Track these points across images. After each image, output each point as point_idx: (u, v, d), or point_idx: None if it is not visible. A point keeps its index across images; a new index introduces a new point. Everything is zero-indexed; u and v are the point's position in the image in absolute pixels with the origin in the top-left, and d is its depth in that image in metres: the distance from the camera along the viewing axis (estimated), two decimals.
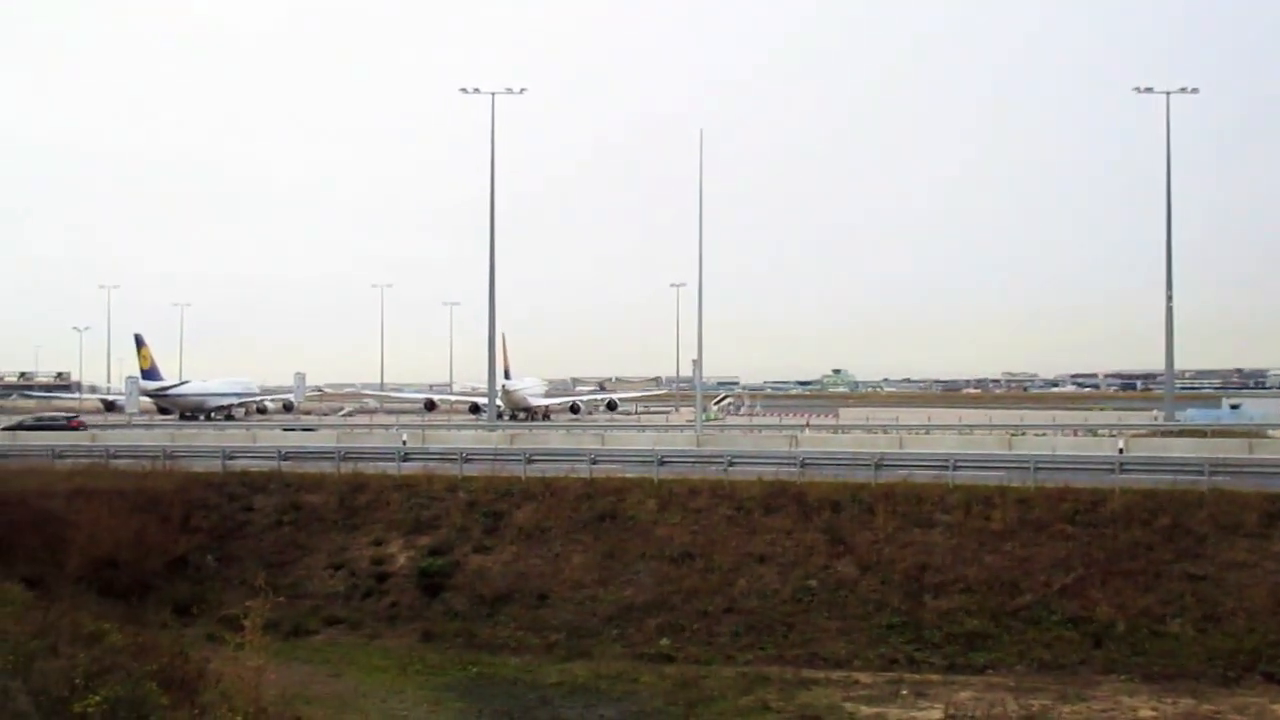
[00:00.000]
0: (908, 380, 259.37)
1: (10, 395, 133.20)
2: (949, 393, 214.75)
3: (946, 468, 34.26)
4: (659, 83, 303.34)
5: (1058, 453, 37.27)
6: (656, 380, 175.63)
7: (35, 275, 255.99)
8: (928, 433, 58.27)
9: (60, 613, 18.71)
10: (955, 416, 78.54)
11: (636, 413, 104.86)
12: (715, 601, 29.84)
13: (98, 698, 11.59)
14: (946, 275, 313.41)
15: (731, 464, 36.58)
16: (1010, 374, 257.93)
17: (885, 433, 56.30)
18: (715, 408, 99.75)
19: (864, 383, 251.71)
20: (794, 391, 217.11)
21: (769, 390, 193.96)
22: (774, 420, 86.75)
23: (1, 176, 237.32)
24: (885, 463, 35.44)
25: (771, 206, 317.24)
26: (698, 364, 62.67)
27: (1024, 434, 53.69)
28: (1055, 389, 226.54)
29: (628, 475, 36.73)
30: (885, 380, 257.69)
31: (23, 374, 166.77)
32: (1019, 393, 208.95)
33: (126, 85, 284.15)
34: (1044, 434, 56.16)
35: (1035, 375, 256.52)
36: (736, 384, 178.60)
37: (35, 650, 13.46)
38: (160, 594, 32.11)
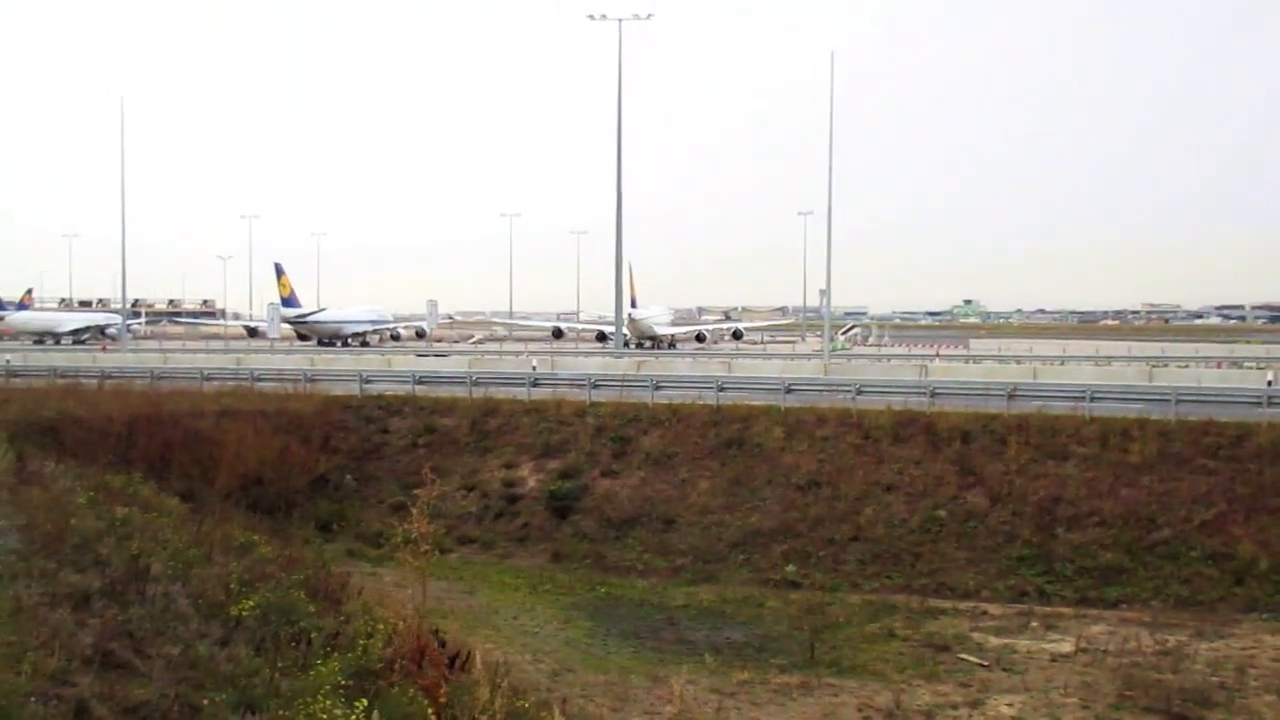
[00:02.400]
0: (1041, 311, 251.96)
1: (160, 321, 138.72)
2: (1085, 324, 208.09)
3: (1083, 399, 33.38)
4: (788, 7, 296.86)
5: (1201, 385, 35.86)
6: (782, 310, 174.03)
7: (180, 205, 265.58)
8: (1063, 364, 56.77)
9: (213, 525, 19.61)
10: (1092, 348, 76.19)
11: (762, 342, 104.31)
12: (842, 529, 29.83)
13: (251, 603, 12.14)
14: (1085, 204, 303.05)
15: (859, 393, 36.25)
16: (1151, 305, 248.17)
17: (1018, 363, 54.97)
18: (842, 337, 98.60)
19: (996, 313, 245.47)
20: (923, 322, 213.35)
21: (897, 320, 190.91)
22: (902, 350, 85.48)
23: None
24: (1018, 393, 34.67)
25: (904, 134, 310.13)
26: (826, 293, 62.03)
27: (1165, 366, 51.86)
28: (1199, 321, 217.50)
29: (754, 403, 36.66)
30: (1018, 311, 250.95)
31: (171, 301, 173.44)
32: (1160, 324, 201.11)
33: (272, 24, 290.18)
34: (1186, 366, 54.21)
35: (1178, 306, 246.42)
36: (864, 314, 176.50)
37: (193, 558, 14.13)
38: (303, 511, 33.40)
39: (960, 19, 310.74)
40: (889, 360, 65.78)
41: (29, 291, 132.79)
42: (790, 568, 28.68)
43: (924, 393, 35.54)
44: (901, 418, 33.67)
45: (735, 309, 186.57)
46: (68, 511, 14.92)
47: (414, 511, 17.77)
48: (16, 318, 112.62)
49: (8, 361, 53.58)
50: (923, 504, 30.20)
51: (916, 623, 24.82)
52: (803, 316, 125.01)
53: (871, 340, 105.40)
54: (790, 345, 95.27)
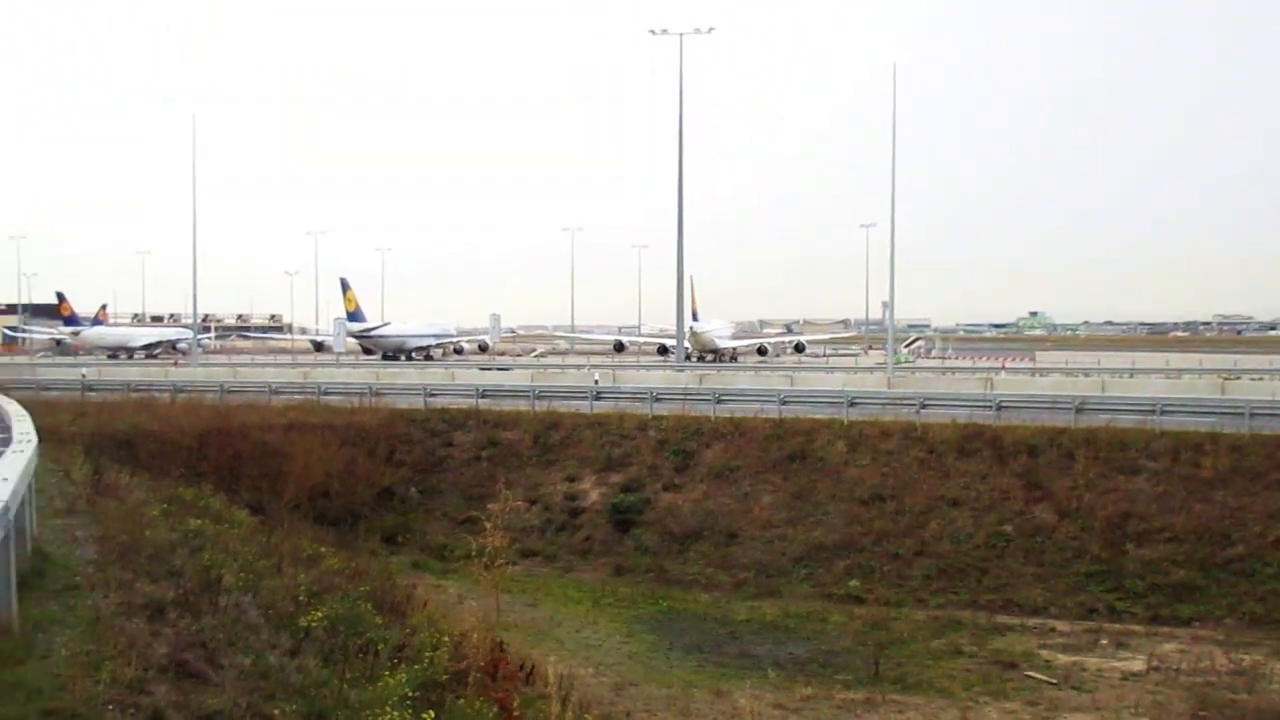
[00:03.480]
0: (1109, 323, 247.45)
1: (229, 336, 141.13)
2: (1154, 336, 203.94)
3: (1153, 412, 32.79)
4: (849, 17, 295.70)
5: (1276, 398, 35.05)
6: (844, 323, 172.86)
7: (249, 222, 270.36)
8: (1131, 376, 55.72)
9: (282, 537, 19.90)
10: (1162, 360, 74.79)
11: (825, 355, 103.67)
12: (906, 544, 29.58)
13: (319, 614, 12.29)
14: (1153, 214, 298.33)
15: (923, 406, 35.93)
16: (1222, 316, 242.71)
17: (1086, 376, 54.16)
18: (906, 350, 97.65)
19: (1062, 325, 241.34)
20: (988, 334, 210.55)
21: (961, 333, 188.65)
22: (967, 363, 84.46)
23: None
24: (1086, 407, 34.15)
25: (967, 145, 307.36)
26: (889, 305, 61.56)
27: (1238, 378, 50.71)
28: (1272, 332, 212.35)
29: (817, 416, 36.49)
30: (1085, 323, 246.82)
31: (240, 316, 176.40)
32: (1232, 336, 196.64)
33: (338, 42, 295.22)
34: (1260, 379, 52.98)
35: (1250, 318, 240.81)
36: (928, 326, 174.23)
37: (263, 570, 14.36)
38: (368, 523, 33.76)
39: (1030, 24, 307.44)
40: (953, 373, 65.03)
41: (104, 307, 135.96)
42: (854, 582, 28.48)
43: (989, 406, 35.15)
44: (966, 431, 33.32)
45: (797, 322, 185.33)
46: (142, 523, 15.25)
47: (487, 526, 18.04)
48: (91, 333, 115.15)
49: (84, 376, 54.84)
50: (988, 519, 29.86)
51: (983, 639, 24.53)
52: (865, 329, 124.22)
53: (935, 353, 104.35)
54: (853, 358, 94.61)
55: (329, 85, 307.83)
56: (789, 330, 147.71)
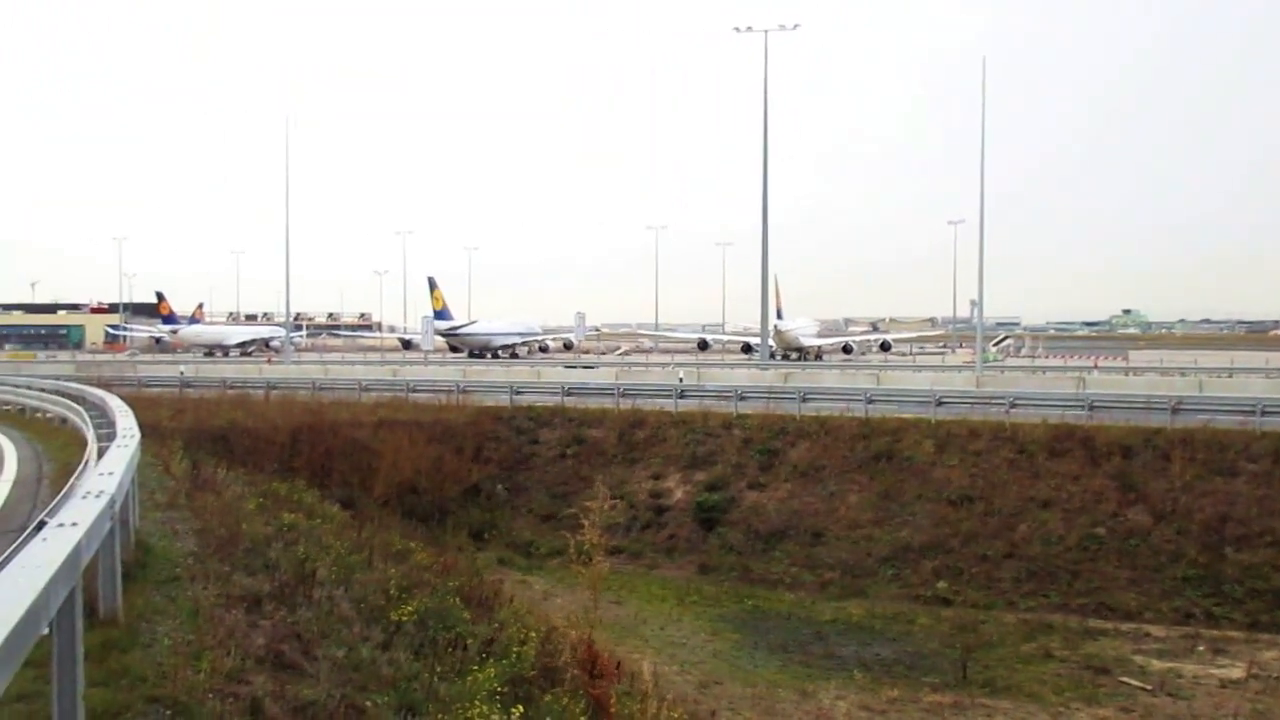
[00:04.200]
0: (1206, 321, 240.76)
1: (320, 334, 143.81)
2: (1254, 334, 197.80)
3: (1253, 413, 31.87)
4: (939, 14, 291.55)
5: None
6: (931, 321, 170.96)
7: (339, 222, 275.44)
8: (1230, 376, 54.29)
9: (372, 531, 20.26)
10: (1262, 359, 72.61)
11: (911, 353, 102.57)
12: (995, 546, 29.14)
13: (409, 608, 12.50)
14: (1249, 209, 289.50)
15: (1013, 405, 35.33)
16: None
17: (1182, 376, 52.79)
18: (994, 349, 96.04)
19: (1157, 323, 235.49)
20: (1079, 332, 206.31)
21: (1052, 331, 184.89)
22: (1058, 362, 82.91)
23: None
24: (1182, 407, 33.30)
25: (1057, 138, 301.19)
26: (977, 303, 60.68)
27: None
28: None
29: (904, 415, 36.13)
30: (1181, 321, 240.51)
31: (330, 315, 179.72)
32: None
33: (426, 43, 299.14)
34: None
35: None
36: (1017, 324, 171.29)
37: (354, 564, 14.63)
38: (456, 519, 34.18)
39: (1117, 18, 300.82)
40: (1044, 372, 63.86)
41: (200, 306, 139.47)
42: (941, 584, 28.16)
43: (1081, 406, 34.48)
44: (1058, 432, 32.71)
45: (883, 320, 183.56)
46: (239, 517, 15.62)
47: (585, 524, 18.21)
48: (189, 331, 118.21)
49: (182, 373, 56.36)
50: (1081, 521, 29.28)
51: (1075, 643, 24.09)
52: (953, 327, 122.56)
53: (1025, 352, 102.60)
54: (940, 357, 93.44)
55: (419, 89, 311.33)
56: (874, 328, 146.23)
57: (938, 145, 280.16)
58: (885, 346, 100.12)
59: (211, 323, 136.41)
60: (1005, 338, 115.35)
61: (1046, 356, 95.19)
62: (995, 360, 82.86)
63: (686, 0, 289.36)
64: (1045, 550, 28.64)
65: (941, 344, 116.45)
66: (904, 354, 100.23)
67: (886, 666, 22.97)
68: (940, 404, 36.21)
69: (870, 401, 37.15)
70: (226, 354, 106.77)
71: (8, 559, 6.97)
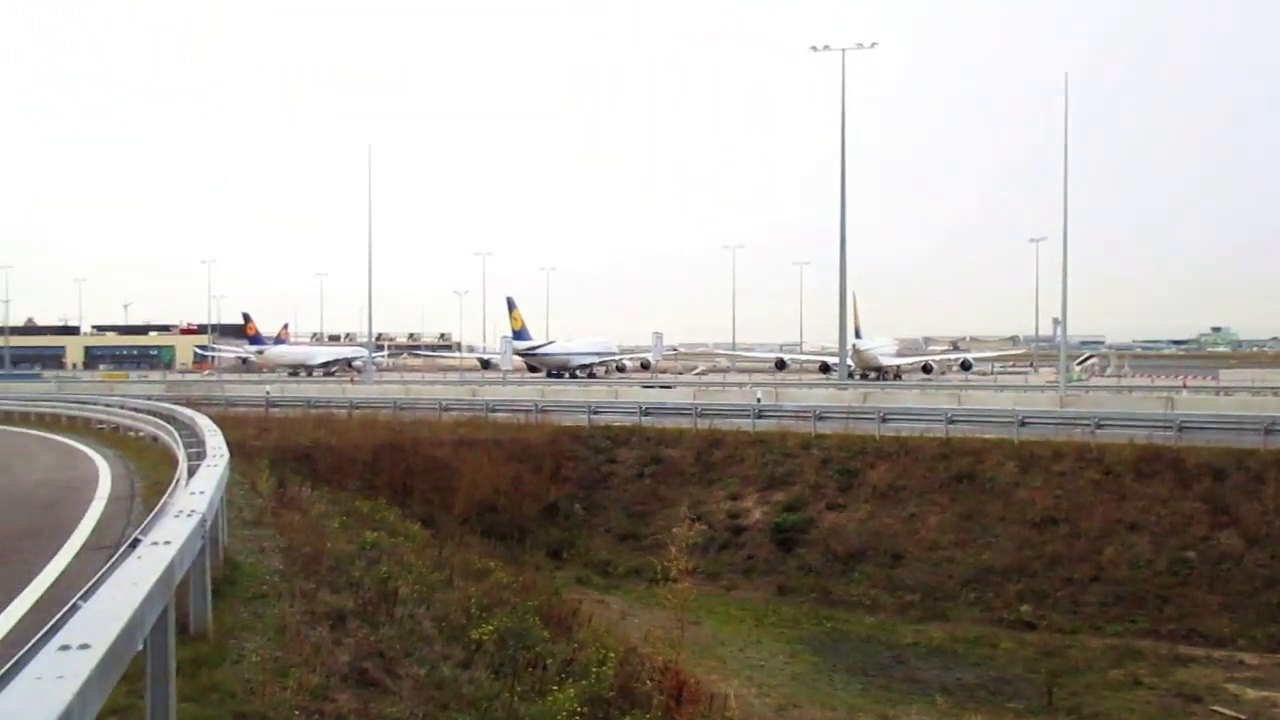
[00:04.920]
0: None
1: (401, 354, 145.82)
2: None
3: None
4: (1017, 30, 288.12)
5: None
6: (1013, 339, 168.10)
7: (419, 243, 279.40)
8: None
9: (452, 550, 20.48)
10: None
11: (993, 372, 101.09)
12: (1081, 569, 28.55)
13: (489, 627, 12.60)
14: None
15: (1099, 426, 34.63)
16: None
17: (1275, 395, 51.40)
18: (1078, 368, 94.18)
19: (1248, 341, 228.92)
20: (1166, 351, 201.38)
21: (1138, 349, 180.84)
22: (1144, 381, 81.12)
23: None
24: (1276, 428, 32.33)
25: (1144, 154, 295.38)
26: (1061, 322, 59.64)
27: None
28: None
29: (986, 436, 35.59)
30: (1273, 339, 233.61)
31: (411, 335, 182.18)
32: None
33: (503, 67, 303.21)
34: None
35: None
36: (1101, 343, 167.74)
37: (435, 582, 14.79)
38: (534, 538, 34.35)
39: (1207, 30, 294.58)
40: (1130, 392, 62.59)
41: (285, 326, 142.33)
42: (1025, 607, 27.65)
43: (1170, 427, 33.62)
44: (1145, 453, 31.99)
45: (963, 338, 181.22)
46: (324, 535, 15.88)
47: (672, 549, 18.31)
48: (274, 351, 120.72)
49: (268, 393, 57.50)
50: (1170, 544, 28.58)
51: (1164, 670, 23.50)
52: (1035, 346, 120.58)
53: (1110, 371, 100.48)
54: (1022, 376, 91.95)
55: (501, 111, 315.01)
56: (955, 347, 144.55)
57: (1021, 158, 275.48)
58: (966, 365, 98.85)
59: (296, 343, 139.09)
60: (1089, 356, 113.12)
61: (1133, 376, 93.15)
62: (1079, 380, 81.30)
63: (774, 20, 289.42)
64: (1133, 574, 28.00)
65: (1023, 363, 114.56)
66: (985, 373, 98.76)
67: (969, 691, 22.60)
68: (1023, 424, 35.59)
69: (951, 422, 36.68)
70: (310, 374, 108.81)
71: (105, 575, 7.19)
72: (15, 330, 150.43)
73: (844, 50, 62.90)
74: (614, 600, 29.56)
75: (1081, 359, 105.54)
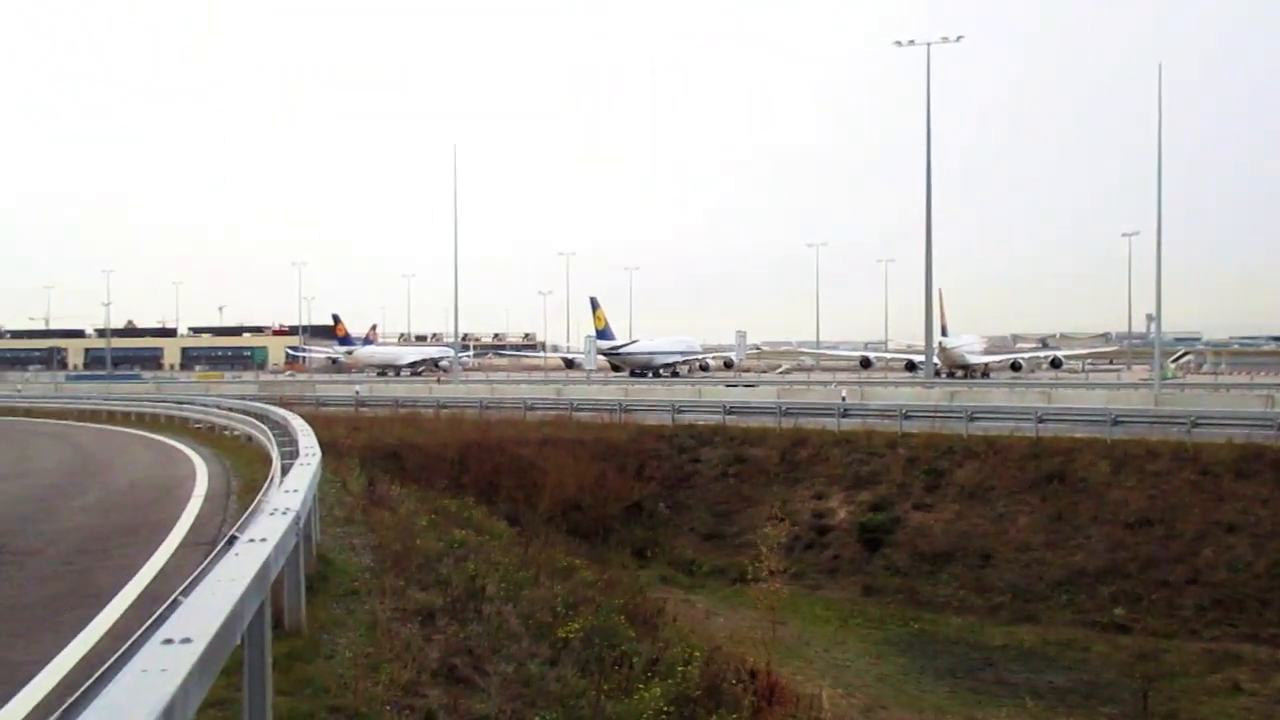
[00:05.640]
0: None
1: (486, 354, 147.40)
2: None
3: None
4: (1105, 20, 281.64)
5: None
6: (1105, 336, 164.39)
7: (504, 243, 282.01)
8: None
9: (538, 548, 20.60)
10: None
11: (1083, 370, 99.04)
12: (1177, 571, 27.85)
13: (575, 625, 12.65)
14: None
15: (1195, 425, 33.76)
16: None
17: None
18: (1173, 365, 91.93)
19: None
20: (1267, 347, 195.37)
21: (1235, 346, 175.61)
22: (1243, 378, 78.86)
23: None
24: None
25: (1239, 145, 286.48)
26: (1154, 318, 58.34)
27: None
28: None
29: (1077, 435, 34.92)
30: None
31: (496, 335, 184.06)
32: None
33: (589, 68, 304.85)
34: None
35: None
36: (1198, 339, 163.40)
37: (522, 580, 14.90)
38: (618, 536, 34.53)
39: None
40: (1227, 390, 60.87)
41: (374, 327, 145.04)
42: (1118, 610, 27.06)
43: (1270, 425, 32.67)
44: (1245, 452, 31.11)
45: (1053, 336, 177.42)
46: (412, 533, 16.12)
47: (762, 549, 18.29)
48: (363, 352, 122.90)
49: (357, 392, 58.56)
50: (1270, 546, 27.73)
51: (1266, 676, 22.84)
52: (1128, 343, 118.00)
53: (1206, 368, 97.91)
54: (1115, 374, 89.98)
55: (587, 113, 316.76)
56: (1044, 345, 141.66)
57: (1112, 150, 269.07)
58: (1056, 363, 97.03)
59: (384, 343, 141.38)
60: (1185, 353, 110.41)
61: (1230, 373, 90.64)
62: (1174, 377, 79.30)
63: (856, 13, 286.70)
64: (1232, 577, 27.24)
65: (1116, 360, 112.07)
66: (1075, 371, 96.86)
67: (1061, 695, 22.21)
68: (1116, 423, 34.83)
69: (1041, 420, 36.03)
70: (398, 373, 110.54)
71: (204, 571, 7.40)
72: (116, 332, 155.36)
73: (929, 44, 62.30)
74: (698, 599, 29.57)
75: (1176, 356, 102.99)
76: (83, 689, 5.00)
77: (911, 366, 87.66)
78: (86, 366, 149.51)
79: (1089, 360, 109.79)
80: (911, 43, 62.72)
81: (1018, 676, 23.51)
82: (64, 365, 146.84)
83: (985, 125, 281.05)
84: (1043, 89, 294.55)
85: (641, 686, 10.94)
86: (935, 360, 74.39)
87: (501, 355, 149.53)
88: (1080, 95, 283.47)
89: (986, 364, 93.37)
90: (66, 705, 4.84)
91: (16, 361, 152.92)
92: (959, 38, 62.45)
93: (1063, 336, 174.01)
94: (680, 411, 44.41)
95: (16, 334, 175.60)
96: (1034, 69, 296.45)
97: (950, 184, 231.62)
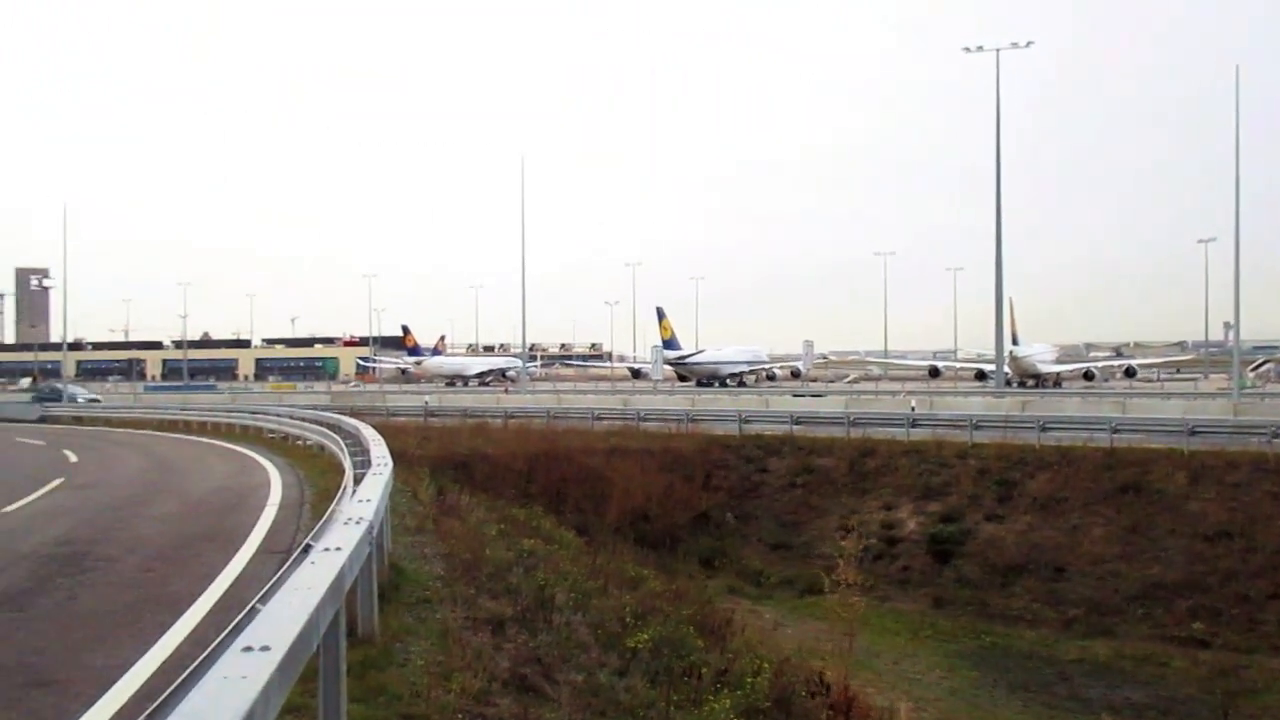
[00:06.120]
0: None
1: (553, 364, 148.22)
2: None
3: None
4: (1179, 20, 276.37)
5: None
6: (1180, 345, 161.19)
7: (570, 253, 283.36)
8: None
9: (606, 558, 20.68)
10: None
11: (1158, 379, 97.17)
12: (1258, 585, 27.16)
13: (644, 635, 12.67)
14: None
15: (1276, 435, 32.90)
16: None
17: None
18: (1252, 374, 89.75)
19: None
20: None
21: None
22: None
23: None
24: None
25: None
26: (1233, 326, 57.11)
27: None
28: None
29: (1152, 445, 34.22)
30: None
31: (562, 345, 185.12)
32: None
33: (650, 80, 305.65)
34: None
35: None
36: (1278, 348, 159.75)
37: (590, 590, 14.96)
38: (686, 546, 34.41)
39: None
40: None
41: (442, 338, 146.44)
42: (1197, 625, 26.44)
43: None
44: None
45: (1126, 344, 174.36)
46: (482, 542, 16.24)
47: (840, 562, 18.21)
48: (431, 362, 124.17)
49: (426, 402, 59.10)
50: None
51: None
52: (1204, 352, 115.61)
53: None
54: (1191, 383, 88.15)
55: (652, 121, 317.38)
56: (1118, 353, 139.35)
57: (1184, 160, 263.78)
58: (1130, 372, 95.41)
59: (452, 354, 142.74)
60: (1264, 362, 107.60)
61: None
62: (1253, 386, 77.50)
63: (923, 20, 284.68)
64: None
65: (1192, 369, 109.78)
66: (1151, 380, 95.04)
67: (1138, 711, 21.78)
68: (1193, 433, 34.04)
69: (1115, 430, 35.36)
70: (466, 384, 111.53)
71: (281, 580, 7.53)
72: (192, 344, 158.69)
73: (998, 50, 61.69)
74: (766, 610, 29.42)
75: (1255, 365, 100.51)
76: (165, 695, 5.11)
77: (981, 376, 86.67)
78: (164, 377, 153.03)
79: (1164, 369, 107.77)
80: (980, 49, 62.10)
81: (1093, 692, 23.09)
82: (143, 376, 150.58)
83: (1056, 129, 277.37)
84: (1118, 91, 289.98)
85: (711, 698, 10.92)
86: (1005, 369, 73.41)
87: (568, 365, 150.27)
88: (1157, 97, 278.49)
89: (1058, 373, 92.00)
90: (149, 711, 4.94)
91: (98, 372, 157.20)
92: (1029, 43, 61.75)
93: (1137, 345, 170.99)
94: (747, 421, 44.27)
95: (98, 345, 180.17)
96: (1108, 72, 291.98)
97: (1019, 189, 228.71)
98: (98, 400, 74.30)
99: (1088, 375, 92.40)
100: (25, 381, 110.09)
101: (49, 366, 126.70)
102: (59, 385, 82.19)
